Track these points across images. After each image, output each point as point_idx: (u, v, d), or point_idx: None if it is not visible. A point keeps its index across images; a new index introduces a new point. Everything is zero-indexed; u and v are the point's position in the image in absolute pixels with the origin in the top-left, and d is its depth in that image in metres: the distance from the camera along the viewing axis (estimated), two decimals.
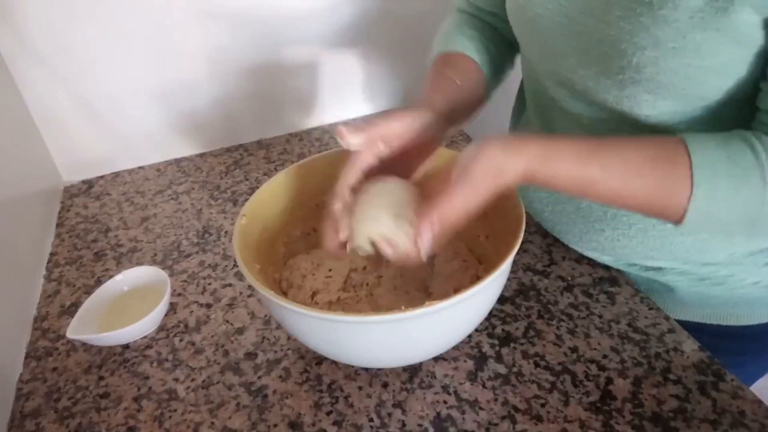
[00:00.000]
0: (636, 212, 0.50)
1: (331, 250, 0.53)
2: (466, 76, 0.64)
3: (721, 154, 0.44)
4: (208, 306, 0.69)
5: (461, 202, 0.46)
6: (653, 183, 0.46)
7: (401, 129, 0.53)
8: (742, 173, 0.44)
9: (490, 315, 0.63)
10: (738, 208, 0.45)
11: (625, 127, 0.54)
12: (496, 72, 0.69)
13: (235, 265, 0.75)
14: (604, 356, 0.58)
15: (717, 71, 0.47)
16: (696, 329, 0.61)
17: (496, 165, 0.46)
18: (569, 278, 0.68)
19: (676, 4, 0.44)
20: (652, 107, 0.51)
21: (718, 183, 0.44)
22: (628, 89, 0.50)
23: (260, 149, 1.03)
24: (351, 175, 0.52)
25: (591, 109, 0.56)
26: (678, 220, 0.47)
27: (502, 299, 0.65)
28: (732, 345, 0.64)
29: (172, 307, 0.70)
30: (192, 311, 0.69)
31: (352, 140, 0.52)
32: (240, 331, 0.65)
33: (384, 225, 0.48)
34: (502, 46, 0.71)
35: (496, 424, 0.53)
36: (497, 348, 0.60)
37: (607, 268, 0.68)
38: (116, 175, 1.00)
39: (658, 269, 0.63)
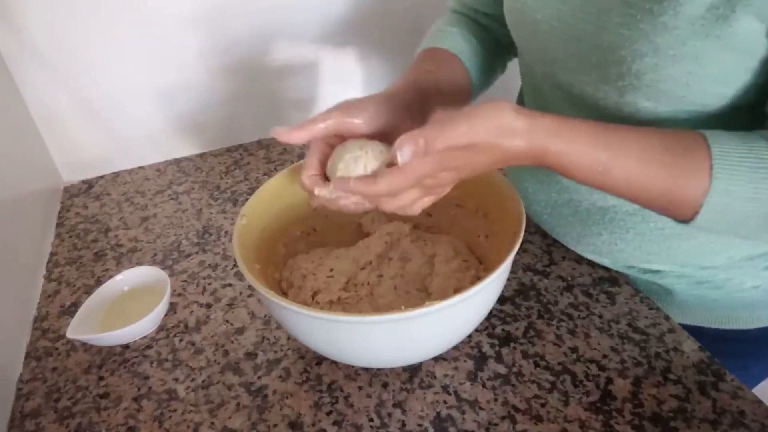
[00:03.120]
0: (647, 207, 0.47)
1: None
2: (446, 71, 0.63)
3: (741, 147, 0.43)
4: (208, 306, 0.69)
5: (455, 137, 0.41)
6: (670, 172, 0.43)
7: (347, 118, 0.51)
8: (764, 169, 0.42)
9: (490, 315, 0.63)
10: (754, 205, 0.43)
11: None
12: (483, 72, 0.68)
13: (235, 265, 0.75)
14: (604, 356, 0.58)
15: (717, 79, 0.46)
16: (695, 333, 0.60)
17: (504, 122, 0.42)
18: (569, 278, 0.68)
19: (676, 11, 0.43)
20: (652, 114, 0.50)
21: (738, 176, 0.42)
22: (627, 96, 0.50)
23: (260, 149, 1.03)
24: (309, 165, 0.50)
25: (589, 115, 0.55)
26: (690, 217, 0.45)
27: (502, 299, 0.65)
28: (732, 349, 0.63)
29: (172, 307, 0.70)
30: (192, 311, 0.69)
31: (291, 139, 0.49)
32: (240, 331, 0.65)
33: (351, 152, 0.47)
34: (492, 48, 0.70)
35: (496, 424, 0.53)
36: (497, 348, 0.60)
37: (607, 268, 0.68)
38: (116, 175, 1.00)
39: (657, 272, 0.63)
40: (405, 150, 0.42)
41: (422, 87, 0.58)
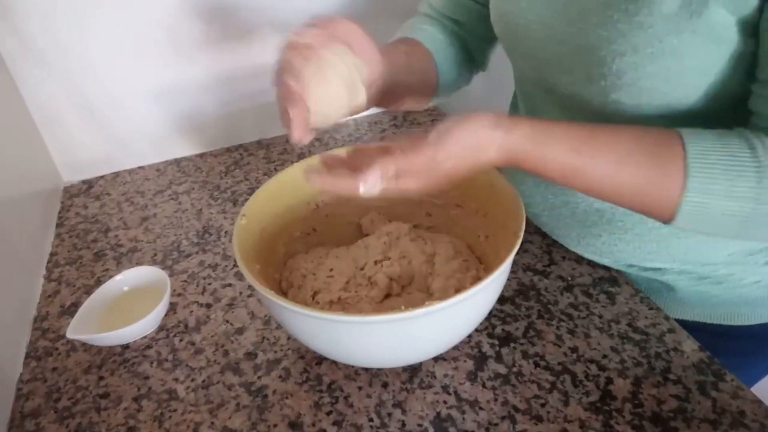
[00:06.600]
0: (625, 207, 0.48)
1: (297, 138, 0.52)
2: (418, 58, 0.66)
3: (717, 145, 0.43)
4: (208, 306, 0.69)
5: (427, 162, 0.44)
6: (645, 172, 0.44)
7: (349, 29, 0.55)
8: (739, 166, 0.43)
9: (490, 315, 0.63)
10: (732, 203, 0.43)
11: None
12: (450, 74, 0.70)
13: (235, 265, 0.75)
14: (604, 356, 0.58)
15: (697, 72, 0.47)
16: (697, 329, 0.60)
17: (479, 139, 0.45)
18: (569, 278, 0.68)
19: (651, 9, 0.45)
20: (637, 112, 0.51)
21: (714, 175, 0.43)
22: (611, 95, 0.50)
23: (260, 149, 1.03)
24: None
25: (579, 116, 0.56)
26: (669, 217, 0.45)
27: (502, 299, 0.65)
28: (733, 345, 0.63)
29: (172, 307, 0.70)
30: (192, 311, 0.69)
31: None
32: (240, 331, 0.65)
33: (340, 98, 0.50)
34: (460, 56, 0.72)
35: (496, 424, 0.53)
36: (497, 348, 0.60)
37: (607, 268, 0.68)
38: (116, 175, 1.00)
39: (658, 269, 0.63)
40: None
41: (394, 64, 0.59)
